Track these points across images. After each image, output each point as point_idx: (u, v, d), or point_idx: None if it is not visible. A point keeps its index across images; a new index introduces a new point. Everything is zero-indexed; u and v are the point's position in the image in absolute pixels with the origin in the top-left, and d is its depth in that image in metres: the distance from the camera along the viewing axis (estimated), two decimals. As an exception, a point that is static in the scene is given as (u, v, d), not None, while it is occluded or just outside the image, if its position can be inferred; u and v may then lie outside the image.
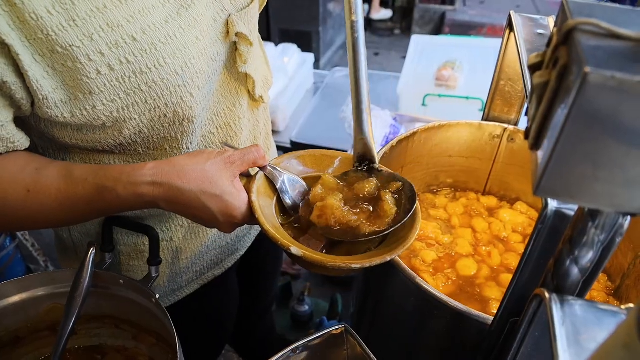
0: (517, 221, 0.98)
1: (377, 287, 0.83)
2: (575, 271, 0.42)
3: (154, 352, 0.82)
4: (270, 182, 0.70)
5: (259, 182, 0.68)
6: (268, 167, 0.70)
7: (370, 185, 0.70)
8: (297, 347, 0.63)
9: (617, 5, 0.36)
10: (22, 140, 0.66)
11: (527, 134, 0.36)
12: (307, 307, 1.92)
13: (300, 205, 0.70)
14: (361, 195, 0.69)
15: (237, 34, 0.74)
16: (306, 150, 0.77)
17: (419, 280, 0.65)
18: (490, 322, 0.57)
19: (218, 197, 0.63)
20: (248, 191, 0.66)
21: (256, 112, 0.91)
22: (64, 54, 0.57)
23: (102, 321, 0.82)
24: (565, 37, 0.33)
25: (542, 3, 4.39)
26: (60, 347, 0.71)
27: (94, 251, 0.74)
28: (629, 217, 0.41)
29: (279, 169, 0.71)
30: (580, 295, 0.45)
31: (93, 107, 0.62)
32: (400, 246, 0.62)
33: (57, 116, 0.62)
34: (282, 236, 0.63)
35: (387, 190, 0.69)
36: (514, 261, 0.91)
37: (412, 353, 0.80)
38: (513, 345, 0.51)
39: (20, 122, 0.67)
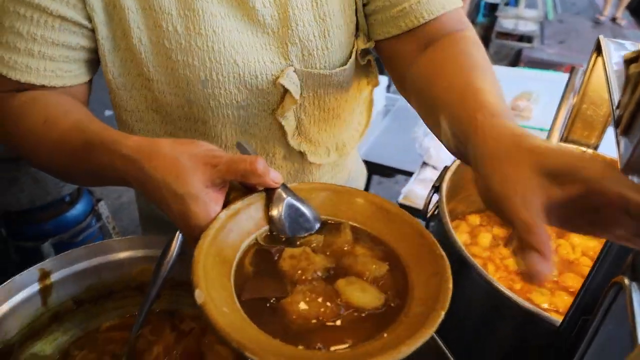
0: (588, 245, 0.97)
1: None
2: (655, 264, 0.44)
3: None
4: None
5: (250, 202, 0.55)
6: (278, 191, 0.55)
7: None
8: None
9: None
10: (74, 72, 0.73)
11: (618, 121, 0.39)
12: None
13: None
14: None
15: (282, 85, 0.74)
16: (340, 186, 0.61)
17: (489, 277, 0.67)
18: (559, 323, 0.59)
19: (179, 197, 0.53)
20: (225, 206, 0.54)
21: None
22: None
23: (182, 288, 0.90)
24: (663, 34, 0.36)
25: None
26: (146, 308, 0.78)
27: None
28: None
29: (290, 190, 0.56)
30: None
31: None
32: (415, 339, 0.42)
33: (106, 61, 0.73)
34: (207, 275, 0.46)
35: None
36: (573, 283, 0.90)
37: (479, 351, 0.81)
38: (582, 343, 0.53)
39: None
